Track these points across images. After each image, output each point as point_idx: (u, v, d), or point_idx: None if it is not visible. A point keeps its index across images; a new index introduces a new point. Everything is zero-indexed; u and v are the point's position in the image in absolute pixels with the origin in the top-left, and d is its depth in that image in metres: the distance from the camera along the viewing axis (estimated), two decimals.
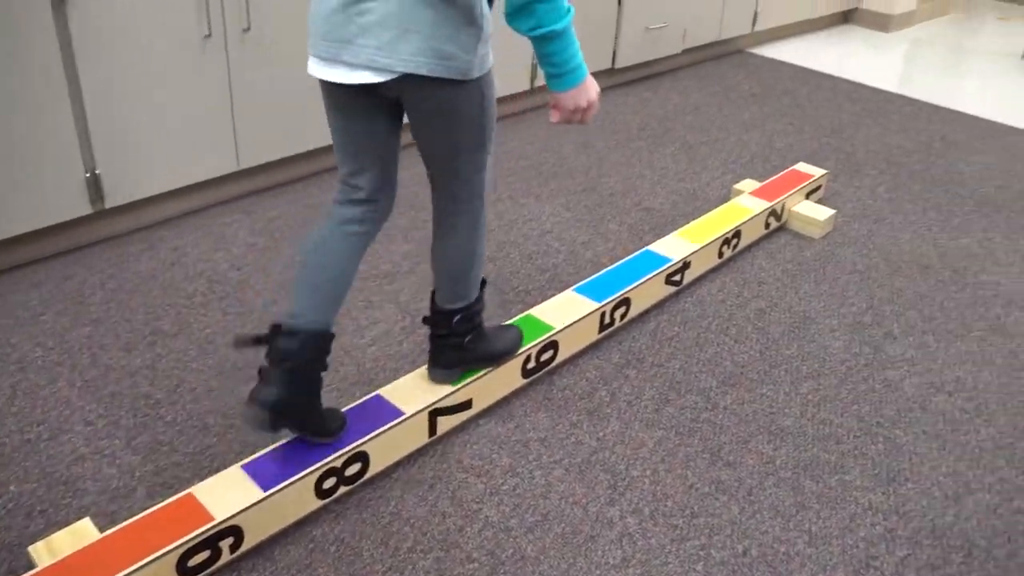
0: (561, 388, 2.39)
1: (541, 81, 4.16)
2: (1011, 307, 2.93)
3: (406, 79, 1.68)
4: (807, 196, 3.41)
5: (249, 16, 2.98)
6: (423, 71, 1.66)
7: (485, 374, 2.21)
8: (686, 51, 5.12)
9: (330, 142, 3.38)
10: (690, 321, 2.72)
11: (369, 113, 1.83)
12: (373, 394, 2.11)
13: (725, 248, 2.97)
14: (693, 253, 2.80)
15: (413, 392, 2.13)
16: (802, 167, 3.50)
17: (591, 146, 3.94)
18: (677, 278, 2.78)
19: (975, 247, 3.31)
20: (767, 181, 3.37)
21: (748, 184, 3.49)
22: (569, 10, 1.68)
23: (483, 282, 2.14)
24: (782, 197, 3.21)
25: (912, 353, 2.66)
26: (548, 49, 1.71)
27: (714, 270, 3.00)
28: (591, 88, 1.82)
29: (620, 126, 4.19)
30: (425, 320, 2.15)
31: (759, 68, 5.28)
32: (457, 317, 2.09)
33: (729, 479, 2.13)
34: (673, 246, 2.82)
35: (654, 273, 2.66)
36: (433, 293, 2.13)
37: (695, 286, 2.90)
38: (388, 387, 2.14)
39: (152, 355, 2.44)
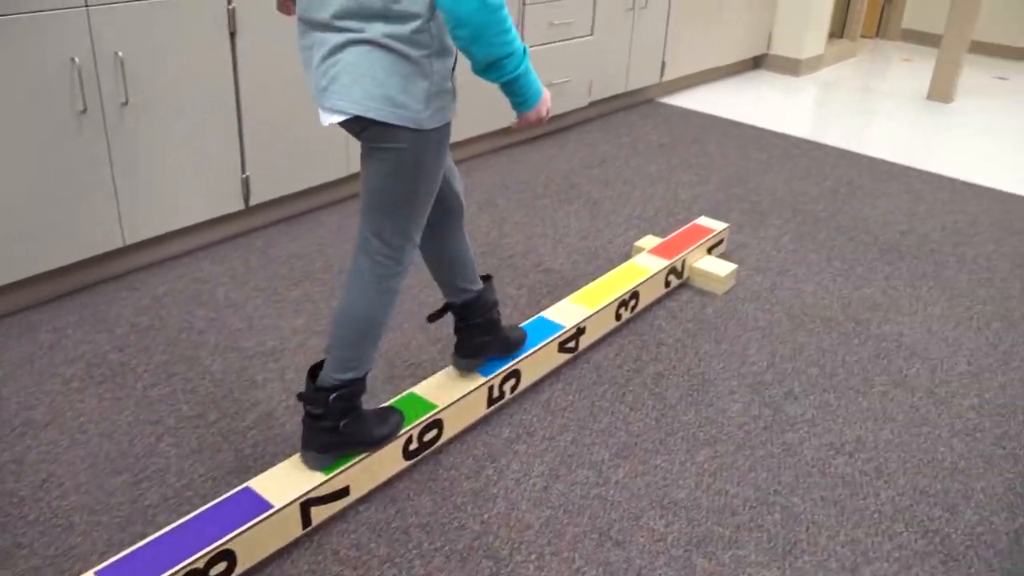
0: (447, 467, 2.30)
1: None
2: (913, 359, 2.90)
3: (359, 120, 1.84)
4: (709, 251, 3.37)
5: (127, 90, 2.88)
6: (371, 115, 1.81)
7: (364, 458, 2.11)
8: (594, 103, 5.10)
9: (219, 214, 3.31)
10: (585, 389, 2.65)
11: None
12: (242, 487, 2.01)
13: (623, 310, 2.91)
14: (588, 318, 2.73)
15: (286, 481, 2.03)
16: (704, 221, 3.47)
17: (494, 205, 3.88)
18: (571, 345, 2.71)
19: (878, 296, 3.29)
20: (667, 237, 3.33)
21: (650, 241, 3.44)
22: (525, 50, 1.83)
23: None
24: (682, 254, 3.16)
25: (812, 413, 2.61)
26: (515, 87, 1.87)
27: (612, 333, 2.93)
28: (547, 98, 1.98)
29: (525, 183, 4.14)
30: (300, 397, 2.07)
31: (668, 117, 5.28)
32: (334, 395, 2.01)
33: (618, 560, 2.05)
34: (567, 312, 2.75)
35: (546, 341, 2.59)
36: (313, 368, 2.06)
37: (592, 351, 2.84)
38: (259, 477, 2.04)
39: (21, 447, 2.32)
